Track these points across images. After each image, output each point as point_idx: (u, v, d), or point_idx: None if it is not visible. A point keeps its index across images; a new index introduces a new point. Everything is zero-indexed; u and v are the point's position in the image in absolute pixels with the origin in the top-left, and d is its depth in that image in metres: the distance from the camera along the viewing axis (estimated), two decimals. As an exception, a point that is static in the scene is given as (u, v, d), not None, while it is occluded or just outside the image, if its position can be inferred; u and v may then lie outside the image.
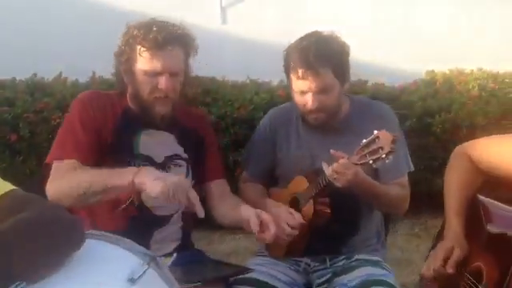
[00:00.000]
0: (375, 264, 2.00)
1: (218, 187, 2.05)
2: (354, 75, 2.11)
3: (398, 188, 2.01)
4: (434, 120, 4.12)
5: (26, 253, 1.10)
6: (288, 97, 2.10)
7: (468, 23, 5.60)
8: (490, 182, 1.77)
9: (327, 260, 2.04)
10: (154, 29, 1.84)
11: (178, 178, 1.70)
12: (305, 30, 2.01)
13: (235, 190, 2.17)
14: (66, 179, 1.78)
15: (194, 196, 1.66)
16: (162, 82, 1.84)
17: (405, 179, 2.05)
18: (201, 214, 1.67)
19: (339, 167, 1.76)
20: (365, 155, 1.69)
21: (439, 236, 1.89)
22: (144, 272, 1.20)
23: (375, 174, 1.96)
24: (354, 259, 2.03)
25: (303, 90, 1.94)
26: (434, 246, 1.88)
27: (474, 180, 1.81)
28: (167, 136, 1.98)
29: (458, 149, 1.87)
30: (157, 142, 1.95)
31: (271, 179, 2.14)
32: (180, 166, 1.97)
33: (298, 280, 2.03)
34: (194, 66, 2.00)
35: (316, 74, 1.89)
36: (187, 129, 2.02)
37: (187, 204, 1.66)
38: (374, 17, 5.59)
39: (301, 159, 2.06)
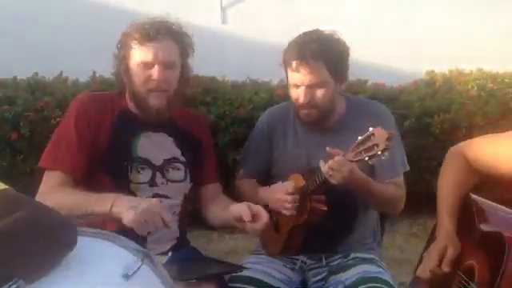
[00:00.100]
0: (371, 262, 2.01)
1: (212, 191, 2.07)
2: (354, 75, 2.12)
3: (393, 187, 2.02)
4: (433, 120, 4.11)
5: (24, 252, 1.11)
6: (287, 96, 2.11)
7: (468, 23, 5.60)
8: (488, 183, 1.77)
9: (323, 258, 2.05)
10: (147, 26, 1.88)
11: (149, 204, 1.69)
12: (305, 30, 2.01)
13: (234, 188, 2.19)
14: (52, 196, 1.78)
15: (168, 219, 1.68)
16: (155, 72, 1.86)
17: (400, 179, 2.06)
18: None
19: (335, 164, 1.77)
20: (360, 152, 1.69)
21: (431, 237, 1.90)
22: (138, 268, 1.22)
23: (371, 173, 1.98)
24: (350, 257, 2.04)
25: (296, 84, 1.95)
26: (426, 248, 1.90)
27: (468, 179, 1.81)
28: (166, 138, 1.99)
29: (453, 148, 1.87)
30: (155, 145, 1.96)
31: (267, 178, 2.14)
32: (178, 169, 1.98)
33: (293, 278, 2.04)
34: (194, 65, 2.01)
35: (309, 67, 1.90)
36: (185, 131, 2.03)
37: (162, 227, 1.68)
38: (374, 17, 5.59)
39: (297, 158, 2.07)
